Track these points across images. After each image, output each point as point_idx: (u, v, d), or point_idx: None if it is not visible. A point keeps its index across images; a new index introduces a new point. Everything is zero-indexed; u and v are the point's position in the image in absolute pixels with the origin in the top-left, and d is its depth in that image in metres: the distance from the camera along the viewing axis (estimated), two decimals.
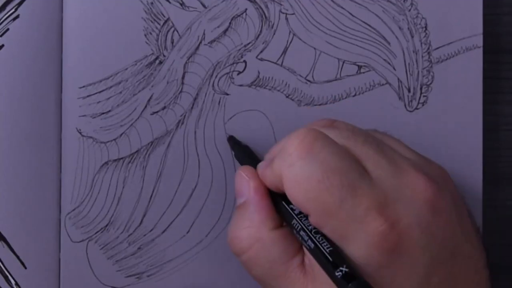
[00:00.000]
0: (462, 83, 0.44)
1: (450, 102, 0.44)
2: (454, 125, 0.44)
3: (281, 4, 0.43)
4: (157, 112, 0.43)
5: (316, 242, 0.34)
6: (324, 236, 0.34)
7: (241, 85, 0.43)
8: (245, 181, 0.38)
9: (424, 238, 0.34)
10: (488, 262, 0.36)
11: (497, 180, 0.45)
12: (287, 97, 0.43)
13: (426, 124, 0.44)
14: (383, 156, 0.35)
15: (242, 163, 0.41)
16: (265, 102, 0.43)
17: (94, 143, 0.43)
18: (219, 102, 0.43)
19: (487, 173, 0.44)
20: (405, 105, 0.44)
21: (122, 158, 0.43)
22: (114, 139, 0.43)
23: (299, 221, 0.35)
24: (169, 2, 0.43)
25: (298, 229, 0.35)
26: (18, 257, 0.42)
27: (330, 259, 0.33)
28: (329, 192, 0.34)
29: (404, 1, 0.44)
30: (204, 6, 0.43)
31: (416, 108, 0.44)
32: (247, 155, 0.41)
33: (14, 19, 0.42)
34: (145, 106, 0.43)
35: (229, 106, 0.43)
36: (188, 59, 0.43)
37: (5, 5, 0.42)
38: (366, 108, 0.44)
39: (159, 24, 0.43)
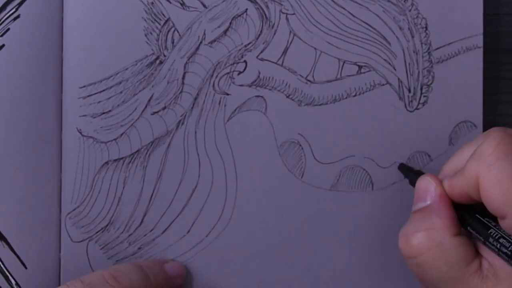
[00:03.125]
0: (462, 83, 0.44)
1: (450, 102, 0.44)
2: (454, 125, 0.44)
3: (281, 4, 0.43)
4: (157, 112, 0.43)
5: None
6: None
7: (241, 85, 0.43)
8: (431, 186, 0.38)
9: None
10: None
11: None
12: (287, 97, 0.43)
13: (426, 124, 0.44)
14: None
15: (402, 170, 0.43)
16: (266, 102, 0.43)
17: (94, 143, 0.43)
18: (220, 102, 0.43)
19: None
20: (405, 105, 0.44)
21: (122, 158, 0.43)
22: (115, 139, 0.43)
23: (496, 230, 0.35)
24: (170, 2, 0.43)
25: (496, 237, 0.35)
26: (18, 257, 0.42)
27: None
28: None
29: (404, 1, 0.44)
30: (204, 6, 0.43)
31: (417, 108, 0.44)
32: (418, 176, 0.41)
33: (15, 19, 0.42)
34: (146, 106, 0.43)
35: (229, 106, 0.43)
36: (189, 59, 0.43)
37: (5, 5, 0.42)
38: (367, 108, 0.44)
39: (159, 24, 0.43)
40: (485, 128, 0.44)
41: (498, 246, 0.35)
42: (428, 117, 0.44)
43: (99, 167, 0.43)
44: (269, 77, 0.43)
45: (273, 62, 0.43)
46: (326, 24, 0.43)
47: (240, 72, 0.43)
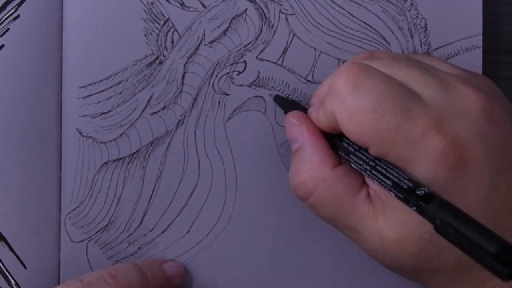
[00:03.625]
0: None
1: None
2: None
3: (281, 4, 0.43)
4: (157, 112, 0.43)
5: (386, 172, 0.34)
6: (388, 163, 0.34)
7: (241, 85, 0.43)
8: (296, 126, 0.38)
9: (485, 147, 0.34)
10: None
11: None
12: (287, 97, 0.43)
13: None
14: (429, 75, 0.35)
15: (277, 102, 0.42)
16: (265, 102, 0.43)
17: (94, 143, 0.43)
18: (219, 102, 0.43)
19: None
20: None
21: (122, 158, 0.43)
22: (114, 139, 0.43)
23: (362, 155, 0.35)
24: (169, 2, 0.43)
25: (361, 163, 0.35)
26: (18, 257, 0.42)
27: (406, 185, 0.32)
28: (384, 120, 0.34)
29: (404, 1, 0.44)
30: (204, 6, 0.43)
31: None
32: (295, 108, 0.41)
33: (15, 19, 0.42)
34: (145, 106, 0.43)
35: (229, 106, 0.43)
36: (188, 59, 0.43)
37: (5, 5, 0.42)
38: None
39: (159, 24, 0.43)
40: None
41: (365, 172, 0.35)
42: None
43: (98, 167, 0.43)
44: (269, 77, 0.43)
45: (272, 62, 0.43)
46: (326, 24, 0.43)
47: (239, 72, 0.43)
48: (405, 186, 0.32)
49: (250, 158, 0.43)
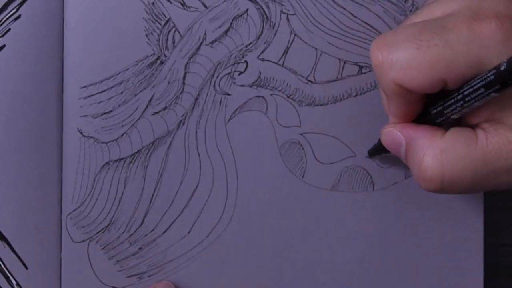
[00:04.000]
0: None
1: None
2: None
3: (282, 4, 0.43)
4: (158, 112, 0.43)
5: (472, 88, 0.34)
6: (466, 84, 0.34)
7: (242, 85, 0.43)
8: (391, 131, 0.38)
9: None
10: None
11: None
12: (288, 97, 0.43)
13: None
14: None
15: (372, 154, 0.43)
16: (267, 102, 0.43)
17: (95, 143, 0.43)
18: (220, 102, 0.43)
19: None
20: None
21: (123, 158, 0.43)
22: (115, 139, 0.43)
23: (447, 103, 0.35)
24: (170, 2, 0.43)
25: (455, 107, 0.35)
26: (19, 257, 0.42)
27: (492, 75, 0.32)
28: (433, 46, 0.34)
29: (405, 1, 0.44)
30: (205, 6, 0.43)
31: None
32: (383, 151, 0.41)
33: (16, 19, 0.42)
34: (146, 106, 0.43)
35: (230, 106, 0.43)
36: (189, 59, 0.43)
37: (6, 5, 0.42)
38: (368, 109, 0.44)
39: (160, 24, 0.43)
40: None
41: (461, 106, 0.35)
42: None
43: (100, 167, 0.43)
44: (270, 77, 0.43)
45: (274, 62, 0.43)
46: (327, 24, 0.43)
47: (241, 72, 0.43)
48: (491, 77, 0.32)
49: (251, 158, 0.43)
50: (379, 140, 0.40)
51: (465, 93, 0.34)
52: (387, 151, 0.40)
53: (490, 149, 0.35)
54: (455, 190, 0.36)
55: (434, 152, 0.36)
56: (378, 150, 0.42)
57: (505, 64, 0.32)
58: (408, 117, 0.38)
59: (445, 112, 0.36)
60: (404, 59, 0.35)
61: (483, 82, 0.33)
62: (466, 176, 0.35)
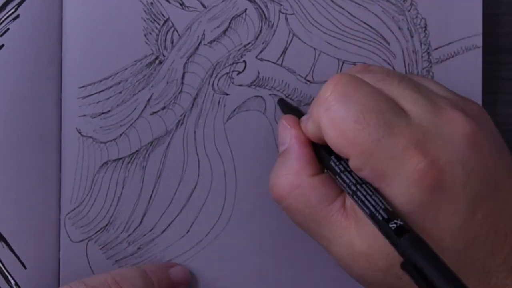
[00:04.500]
0: (462, 83, 0.44)
1: None
2: None
3: (280, 4, 0.43)
4: (156, 112, 0.43)
5: (365, 199, 0.34)
6: (369, 190, 0.34)
7: (240, 85, 0.43)
8: (286, 130, 0.38)
9: (465, 174, 0.33)
10: None
11: None
12: (287, 97, 0.43)
13: None
14: (420, 94, 0.35)
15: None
16: (265, 102, 0.43)
17: (93, 143, 0.43)
18: (219, 102, 0.43)
19: None
20: None
21: (121, 158, 0.43)
22: (114, 139, 0.43)
23: (346, 177, 0.35)
24: (169, 2, 0.43)
25: (344, 185, 0.35)
26: (18, 257, 0.42)
27: (381, 216, 0.32)
28: (366, 131, 0.34)
29: (403, 1, 0.44)
30: (204, 6, 0.43)
31: None
32: (296, 115, 0.41)
33: (14, 19, 0.42)
34: (145, 106, 0.43)
35: (228, 106, 0.43)
36: (188, 59, 0.43)
37: (5, 5, 0.42)
38: None
39: (159, 24, 0.43)
40: None
41: (343, 186, 0.35)
42: None
43: (98, 167, 0.43)
44: (269, 77, 0.43)
45: (272, 62, 0.43)
46: (325, 24, 0.43)
47: (239, 72, 0.43)
48: (380, 217, 0.32)
49: (249, 158, 0.43)
50: (290, 109, 0.41)
51: (358, 194, 0.34)
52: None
53: (333, 223, 0.36)
54: (289, 216, 0.38)
55: (294, 181, 0.37)
56: (283, 109, 0.43)
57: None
58: (309, 136, 0.38)
59: (336, 177, 0.36)
60: (341, 116, 0.34)
61: (373, 211, 0.33)
62: (300, 219, 0.37)
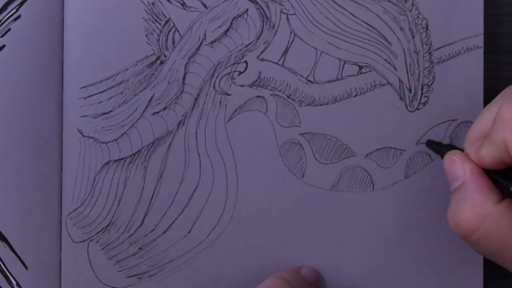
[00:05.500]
0: (463, 83, 0.44)
1: (451, 102, 0.44)
2: (455, 126, 0.44)
3: (282, 5, 0.43)
4: (158, 112, 0.43)
5: None
6: None
7: (242, 86, 0.43)
8: (458, 164, 0.38)
9: None
10: None
11: None
12: (288, 97, 0.43)
13: (427, 124, 0.44)
14: None
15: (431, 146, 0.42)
16: (266, 102, 0.43)
17: (95, 143, 0.43)
18: (220, 102, 0.43)
19: None
20: (406, 105, 0.44)
21: (123, 158, 0.43)
22: (115, 139, 0.43)
23: None
24: (170, 3, 0.43)
25: None
26: (19, 257, 0.42)
27: None
28: None
29: (405, 1, 0.44)
30: (205, 6, 0.43)
31: (417, 108, 0.44)
32: (451, 149, 0.40)
33: (16, 19, 0.42)
34: (146, 106, 0.43)
35: (230, 106, 0.43)
36: (189, 59, 0.43)
37: (6, 5, 0.42)
38: (367, 108, 0.44)
39: (160, 24, 0.43)
40: None
41: None
42: (428, 117, 0.44)
43: (99, 168, 0.43)
44: (270, 78, 0.43)
45: (273, 63, 0.43)
46: (327, 24, 0.43)
47: (240, 73, 0.43)
48: None
49: (251, 158, 0.43)
50: (443, 148, 0.41)
51: None
52: (441, 154, 0.41)
53: None
54: (479, 250, 0.37)
55: (481, 212, 0.36)
56: (435, 149, 0.42)
57: None
58: (486, 165, 0.37)
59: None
60: None
61: None
62: (493, 250, 0.36)
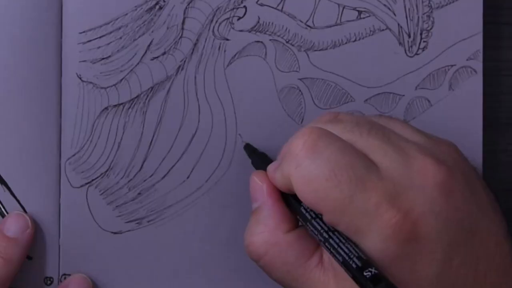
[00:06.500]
0: (462, 28, 0.44)
1: (450, 47, 0.44)
2: (454, 71, 0.44)
3: None
4: (157, 57, 0.43)
5: (338, 247, 0.34)
6: (341, 237, 0.34)
7: (241, 31, 0.43)
8: (258, 186, 0.38)
9: (439, 223, 0.33)
10: (508, 230, 0.36)
11: (497, 125, 0.45)
12: (287, 42, 0.43)
13: (426, 69, 0.44)
14: (390, 145, 0.35)
15: (257, 169, 0.41)
16: (265, 47, 0.43)
17: (94, 88, 0.43)
18: (219, 47, 0.43)
19: (487, 118, 0.44)
20: (405, 50, 0.44)
21: (122, 103, 0.43)
22: (114, 85, 0.43)
23: (317, 224, 0.35)
24: None
25: (316, 233, 0.35)
26: (18, 201, 0.42)
27: (355, 263, 0.33)
28: (338, 189, 0.34)
29: None
30: None
31: (416, 54, 0.44)
32: (262, 161, 0.41)
33: None
34: (145, 52, 0.43)
35: (229, 51, 0.43)
36: (188, 4, 0.43)
37: None
38: (366, 53, 0.43)
39: None
40: (485, 74, 0.44)
41: (318, 239, 0.35)
42: (428, 62, 0.44)
43: (98, 113, 0.43)
44: (269, 23, 0.43)
45: (272, 8, 0.43)
46: None
47: (240, 18, 0.43)
48: (354, 265, 0.33)
49: (250, 103, 0.43)
50: (256, 155, 0.42)
51: (330, 241, 0.34)
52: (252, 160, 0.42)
53: (312, 279, 0.36)
54: (267, 274, 0.38)
55: (269, 240, 0.37)
56: (249, 154, 0.42)
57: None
58: (279, 188, 0.38)
59: (307, 224, 0.36)
60: (312, 174, 0.34)
61: (346, 258, 0.33)
62: (279, 277, 0.37)
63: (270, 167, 0.38)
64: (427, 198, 0.34)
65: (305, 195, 0.35)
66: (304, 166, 0.35)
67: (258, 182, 0.38)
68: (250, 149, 0.43)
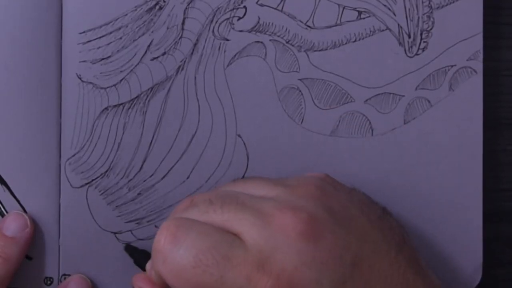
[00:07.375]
0: (462, 28, 0.44)
1: (450, 48, 0.44)
2: (454, 71, 0.44)
3: None
4: (157, 57, 0.43)
5: None
6: None
7: (241, 31, 0.43)
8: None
9: (314, 272, 0.33)
10: (404, 239, 0.36)
11: (497, 125, 0.45)
12: (287, 42, 0.43)
13: (426, 70, 0.44)
14: (245, 211, 0.35)
15: (141, 267, 0.41)
16: (265, 47, 0.43)
17: (94, 88, 0.43)
18: (219, 47, 0.43)
19: (487, 118, 0.44)
20: (405, 50, 0.44)
21: (122, 103, 0.43)
22: (114, 85, 0.43)
23: None
24: None
25: None
26: (18, 201, 0.42)
27: None
28: (208, 273, 0.34)
29: None
30: None
31: (416, 54, 0.44)
32: (145, 258, 0.41)
33: None
34: (145, 52, 0.43)
35: (229, 52, 0.43)
36: (188, 4, 0.43)
37: None
38: (366, 54, 0.43)
39: None
40: (485, 74, 0.44)
41: None
42: (428, 62, 0.44)
43: (98, 113, 0.43)
44: (269, 23, 0.43)
45: (273, 8, 0.43)
46: None
47: (240, 18, 0.43)
48: None
49: (250, 103, 0.43)
50: (137, 253, 0.42)
51: None
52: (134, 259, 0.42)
53: None
54: None
55: None
56: (131, 254, 0.42)
57: None
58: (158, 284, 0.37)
59: None
60: (179, 266, 0.34)
61: None
62: None
63: (147, 266, 0.39)
64: (294, 251, 0.33)
65: (180, 286, 0.35)
66: (170, 259, 0.35)
67: (138, 285, 0.38)
68: (130, 249, 0.43)
